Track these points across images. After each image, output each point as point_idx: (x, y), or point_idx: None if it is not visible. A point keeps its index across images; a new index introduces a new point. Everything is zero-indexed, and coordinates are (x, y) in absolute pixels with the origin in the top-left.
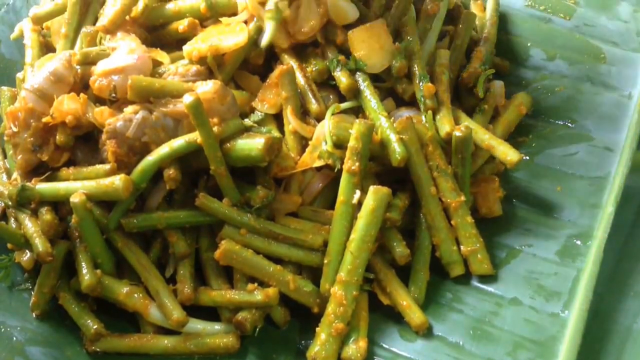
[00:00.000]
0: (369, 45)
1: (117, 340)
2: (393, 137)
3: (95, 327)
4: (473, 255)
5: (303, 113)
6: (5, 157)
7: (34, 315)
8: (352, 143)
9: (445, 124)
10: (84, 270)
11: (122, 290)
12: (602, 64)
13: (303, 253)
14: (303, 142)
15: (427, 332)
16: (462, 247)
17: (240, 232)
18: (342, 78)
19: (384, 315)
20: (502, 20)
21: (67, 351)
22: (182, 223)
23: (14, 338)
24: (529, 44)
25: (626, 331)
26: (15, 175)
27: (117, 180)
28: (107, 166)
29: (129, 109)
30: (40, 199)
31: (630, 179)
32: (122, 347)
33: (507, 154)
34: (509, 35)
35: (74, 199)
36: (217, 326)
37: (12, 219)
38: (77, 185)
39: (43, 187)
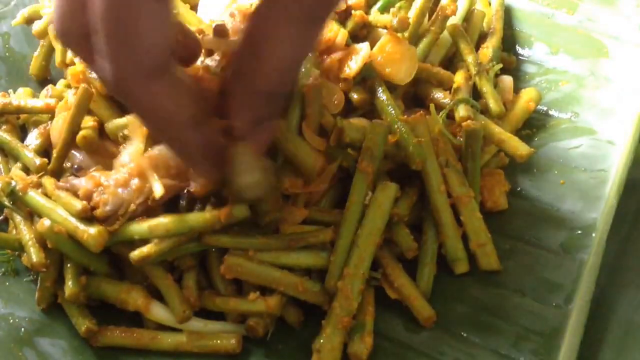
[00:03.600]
0: (391, 59)
1: (121, 336)
2: (411, 141)
3: (85, 325)
4: (481, 250)
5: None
6: (5, 155)
7: (40, 309)
8: (367, 143)
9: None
10: (69, 281)
11: (122, 290)
12: (605, 58)
13: (311, 257)
14: None
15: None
16: (470, 242)
17: (249, 254)
18: (354, 94)
19: (388, 308)
20: (506, 14)
21: (75, 342)
22: (190, 251)
23: (22, 329)
24: (532, 39)
25: (628, 323)
26: (13, 170)
27: (90, 237)
28: (78, 204)
29: (124, 171)
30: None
31: (632, 172)
32: (125, 342)
33: (518, 148)
34: (513, 29)
35: (41, 227)
36: (218, 325)
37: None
38: (61, 214)
39: (32, 197)
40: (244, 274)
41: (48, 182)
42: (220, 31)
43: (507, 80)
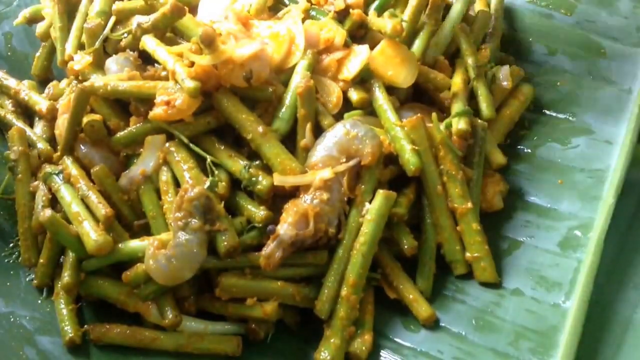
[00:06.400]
0: (392, 63)
1: (122, 335)
2: (407, 148)
3: (68, 337)
4: (477, 263)
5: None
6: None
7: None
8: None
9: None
10: (67, 271)
11: (122, 292)
12: (603, 58)
13: (308, 268)
14: None
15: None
16: (466, 253)
17: (245, 272)
18: (353, 95)
19: (387, 307)
20: (505, 15)
21: None
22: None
23: (23, 328)
24: (530, 39)
25: (626, 321)
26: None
27: (95, 240)
28: (103, 211)
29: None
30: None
31: (630, 172)
32: (126, 341)
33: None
34: (512, 30)
35: (42, 218)
36: (219, 326)
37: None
38: (75, 210)
39: (62, 188)
40: (240, 293)
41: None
42: (207, 38)
43: (504, 70)
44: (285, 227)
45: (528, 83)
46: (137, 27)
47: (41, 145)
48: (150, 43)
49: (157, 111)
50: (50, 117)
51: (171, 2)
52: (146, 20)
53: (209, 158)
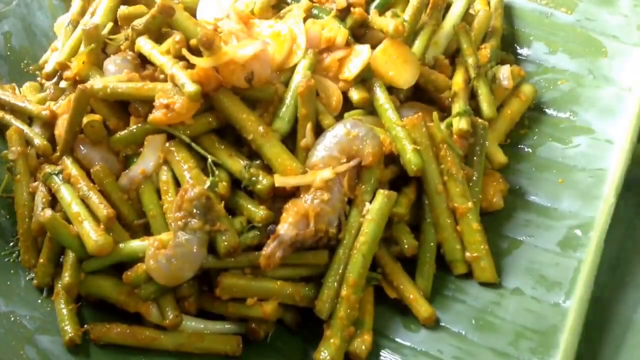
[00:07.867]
0: (394, 64)
1: (122, 334)
2: (409, 148)
3: (68, 336)
4: (476, 262)
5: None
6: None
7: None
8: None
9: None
10: (67, 271)
11: (123, 292)
12: (603, 57)
13: (308, 267)
14: None
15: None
16: (466, 253)
17: (245, 271)
18: (354, 94)
19: (387, 307)
20: (505, 14)
21: None
22: None
23: (24, 327)
24: (531, 38)
25: (626, 321)
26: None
27: (96, 241)
28: (105, 211)
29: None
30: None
31: (630, 171)
32: (126, 341)
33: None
34: (512, 29)
35: (43, 218)
36: (219, 325)
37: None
38: (75, 210)
39: (62, 188)
40: (240, 293)
41: (74, 178)
42: (207, 41)
43: (504, 69)
44: (285, 227)
45: (530, 83)
46: (132, 29)
47: (38, 141)
48: (146, 46)
49: (157, 115)
50: (51, 117)
51: (159, 2)
52: (139, 22)
53: (209, 158)
